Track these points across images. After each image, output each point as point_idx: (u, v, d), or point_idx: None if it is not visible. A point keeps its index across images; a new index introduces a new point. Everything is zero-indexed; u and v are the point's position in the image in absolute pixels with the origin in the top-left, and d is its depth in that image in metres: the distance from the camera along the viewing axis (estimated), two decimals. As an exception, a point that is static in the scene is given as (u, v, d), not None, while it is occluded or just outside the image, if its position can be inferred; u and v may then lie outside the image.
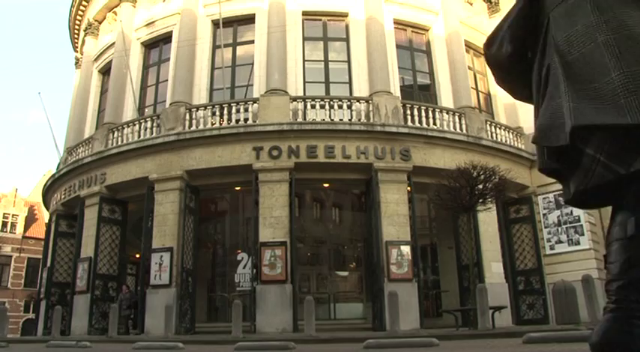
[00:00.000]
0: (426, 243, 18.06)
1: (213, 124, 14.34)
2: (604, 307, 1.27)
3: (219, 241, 18.84)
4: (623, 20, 1.28)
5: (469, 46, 17.64)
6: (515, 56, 1.53)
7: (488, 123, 15.82)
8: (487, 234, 14.31)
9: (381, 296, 12.38)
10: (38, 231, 37.50)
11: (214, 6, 15.47)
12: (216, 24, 15.74)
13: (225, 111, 14.33)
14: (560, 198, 14.50)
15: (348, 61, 15.68)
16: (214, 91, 15.69)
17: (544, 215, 15.76)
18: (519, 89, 1.70)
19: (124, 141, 15.38)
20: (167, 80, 16.35)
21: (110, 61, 18.13)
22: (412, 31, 16.97)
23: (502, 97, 17.10)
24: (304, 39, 15.83)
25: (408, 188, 13.77)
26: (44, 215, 32.03)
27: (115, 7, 18.97)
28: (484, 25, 18.30)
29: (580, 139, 1.29)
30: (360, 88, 15.05)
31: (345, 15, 16.20)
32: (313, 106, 14.19)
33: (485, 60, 1.67)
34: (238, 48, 16.24)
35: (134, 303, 14.57)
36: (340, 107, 14.29)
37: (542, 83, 1.42)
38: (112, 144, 15.67)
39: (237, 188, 15.57)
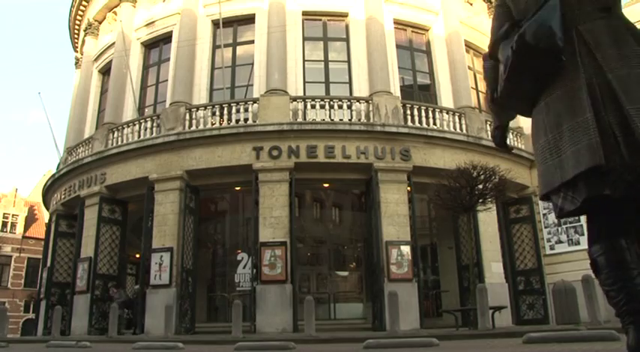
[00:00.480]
0: (426, 243, 18.04)
1: (213, 124, 14.35)
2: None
3: (219, 241, 18.83)
4: None
5: (469, 46, 17.65)
6: (561, 51, 1.64)
7: (488, 123, 15.80)
8: (487, 234, 14.31)
9: (381, 296, 12.38)
10: (38, 231, 37.52)
11: (214, 6, 15.47)
12: (216, 24, 15.74)
13: (225, 111, 14.33)
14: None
15: (348, 61, 15.68)
16: (214, 91, 15.69)
17: (544, 215, 15.76)
18: (524, 90, 1.79)
19: (124, 141, 15.38)
20: (167, 80, 16.34)
21: (110, 61, 18.13)
22: (412, 31, 16.97)
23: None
24: (304, 39, 15.83)
25: (408, 188, 13.77)
26: (44, 215, 32.04)
27: (115, 7, 18.97)
28: (484, 25, 18.28)
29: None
30: (360, 88, 15.05)
31: (345, 15, 16.20)
32: (313, 106, 14.19)
33: (519, 45, 1.70)
34: (238, 48, 16.24)
35: (122, 303, 14.45)
36: (340, 107, 14.29)
37: (592, 87, 1.61)
38: (112, 144, 15.67)
39: (237, 188, 15.57)
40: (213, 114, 14.45)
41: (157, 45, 17.64)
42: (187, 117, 14.57)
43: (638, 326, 1.54)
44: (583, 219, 15.28)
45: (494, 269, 14.24)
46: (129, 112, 16.67)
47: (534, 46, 1.65)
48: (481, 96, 17.70)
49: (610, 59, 1.61)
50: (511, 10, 1.88)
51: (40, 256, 22.48)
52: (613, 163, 1.54)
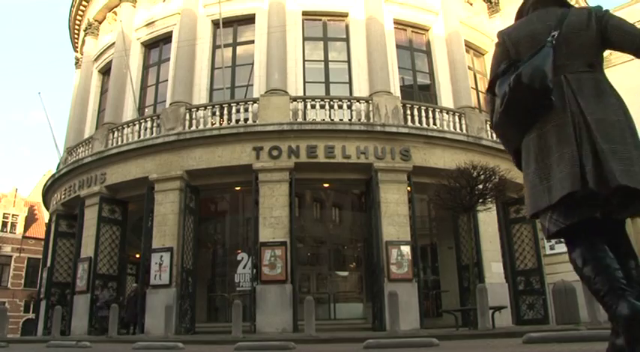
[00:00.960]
0: (426, 243, 18.04)
1: (213, 124, 14.34)
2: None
3: (219, 241, 18.83)
4: (625, 108, 1.98)
5: (469, 46, 17.64)
6: (550, 92, 1.93)
7: (488, 123, 15.78)
8: (487, 234, 14.31)
9: (381, 296, 12.38)
10: (38, 231, 37.51)
11: (214, 6, 15.47)
12: (216, 24, 15.74)
13: (225, 111, 14.33)
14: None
15: (348, 61, 15.68)
16: (214, 91, 15.69)
17: (544, 215, 15.73)
18: (516, 122, 2.08)
19: (124, 141, 15.38)
20: (167, 80, 16.34)
21: (110, 61, 18.13)
22: (412, 31, 16.96)
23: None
24: (304, 39, 15.83)
25: (408, 188, 13.76)
26: (44, 215, 32.04)
27: (115, 7, 18.97)
28: (484, 25, 18.30)
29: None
30: (360, 88, 15.05)
31: (345, 15, 16.20)
32: (313, 106, 14.19)
33: (515, 83, 1.98)
34: (238, 48, 16.24)
35: (105, 303, 14.19)
36: (340, 107, 14.29)
37: (576, 124, 1.92)
38: (112, 144, 15.67)
39: (237, 188, 15.57)
40: (213, 114, 14.45)
41: (156, 45, 17.64)
42: (187, 117, 14.56)
43: (625, 297, 1.72)
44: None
45: (494, 269, 14.24)
46: (129, 112, 16.67)
47: (529, 85, 1.92)
48: (481, 96, 17.70)
49: (590, 105, 1.93)
50: (509, 51, 2.17)
51: (40, 256, 22.48)
52: (585, 190, 1.83)
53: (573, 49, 2.03)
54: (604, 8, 2.07)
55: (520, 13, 2.30)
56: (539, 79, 1.91)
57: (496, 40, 2.29)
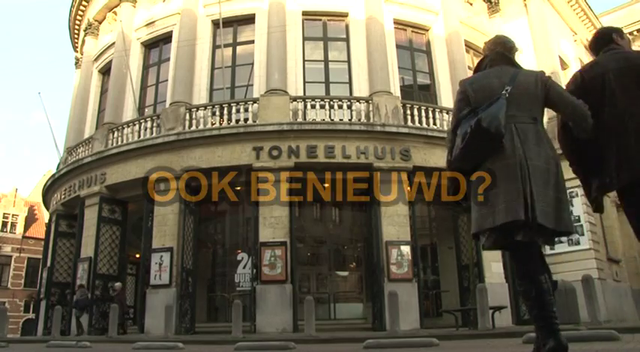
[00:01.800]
0: (426, 243, 18.01)
1: (213, 124, 14.34)
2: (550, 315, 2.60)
3: (219, 241, 18.80)
4: (556, 157, 2.58)
5: (469, 46, 17.63)
6: (502, 136, 2.51)
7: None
8: (487, 234, 14.27)
9: (381, 296, 12.38)
10: (38, 231, 37.50)
11: (214, 6, 15.47)
12: (216, 24, 15.74)
13: (225, 111, 14.33)
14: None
15: (348, 61, 15.67)
16: (214, 91, 15.68)
17: (544, 215, 15.69)
18: (471, 157, 2.64)
19: (124, 141, 15.37)
20: (167, 80, 16.33)
21: (110, 61, 18.12)
22: (412, 31, 16.96)
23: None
24: (304, 39, 15.83)
25: (408, 188, 13.76)
26: (44, 215, 32.05)
27: (115, 7, 18.97)
28: (484, 25, 18.30)
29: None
30: (360, 88, 15.05)
31: (345, 15, 16.20)
32: (313, 106, 14.19)
33: (477, 126, 2.53)
34: (238, 48, 16.23)
35: (76, 303, 14.14)
36: (340, 107, 14.29)
37: (521, 166, 2.52)
38: (112, 144, 15.66)
39: (238, 188, 15.55)
40: (213, 114, 14.45)
41: (156, 45, 17.63)
42: (187, 117, 14.56)
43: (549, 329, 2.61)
44: (583, 219, 15.28)
45: (494, 269, 14.22)
46: (129, 112, 16.66)
47: (487, 129, 2.47)
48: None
49: (531, 153, 2.52)
50: (469, 97, 2.72)
51: (40, 256, 22.48)
52: (527, 218, 2.42)
53: (521, 103, 2.59)
54: (546, 73, 2.71)
55: (478, 67, 2.87)
56: (494, 125, 2.46)
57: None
